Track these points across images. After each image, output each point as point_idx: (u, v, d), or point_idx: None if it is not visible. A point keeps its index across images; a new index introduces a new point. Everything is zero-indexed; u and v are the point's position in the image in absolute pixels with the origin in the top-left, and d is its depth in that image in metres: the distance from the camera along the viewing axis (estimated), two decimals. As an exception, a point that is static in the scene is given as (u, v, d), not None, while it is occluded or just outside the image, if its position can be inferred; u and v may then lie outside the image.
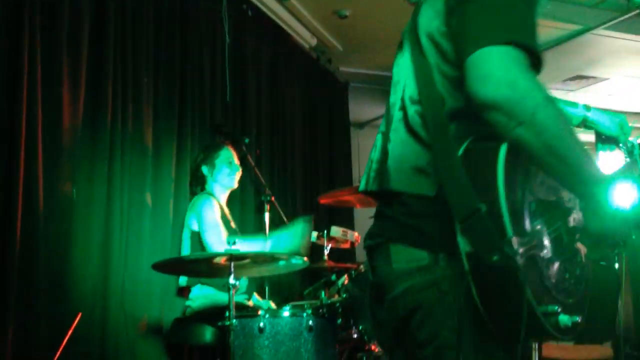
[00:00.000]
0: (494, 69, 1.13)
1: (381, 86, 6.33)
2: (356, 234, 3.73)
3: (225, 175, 3.37)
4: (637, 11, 4.66)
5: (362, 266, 3.05)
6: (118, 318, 2.88)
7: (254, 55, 4.50)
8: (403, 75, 1.40)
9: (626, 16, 4.69)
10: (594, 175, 1.18)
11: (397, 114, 1.36)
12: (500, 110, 1.12)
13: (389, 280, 1.32)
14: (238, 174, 3.44)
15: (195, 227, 3.22)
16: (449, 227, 1.19)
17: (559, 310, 1.16)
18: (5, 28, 2.47)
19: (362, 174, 1.48)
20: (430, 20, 1.31)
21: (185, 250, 3.24)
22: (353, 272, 3.07)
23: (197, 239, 3.22)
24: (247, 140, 3.86)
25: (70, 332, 2.38)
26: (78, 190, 2.75)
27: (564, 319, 1.15)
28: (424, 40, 1.32)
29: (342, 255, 4.23)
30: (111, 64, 2.98)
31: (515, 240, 1.12)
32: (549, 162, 1.15)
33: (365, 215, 3.86)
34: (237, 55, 4.22)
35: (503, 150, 1.17)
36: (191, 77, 3.67)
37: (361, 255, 5.16)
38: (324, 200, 3.88)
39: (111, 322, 2.84)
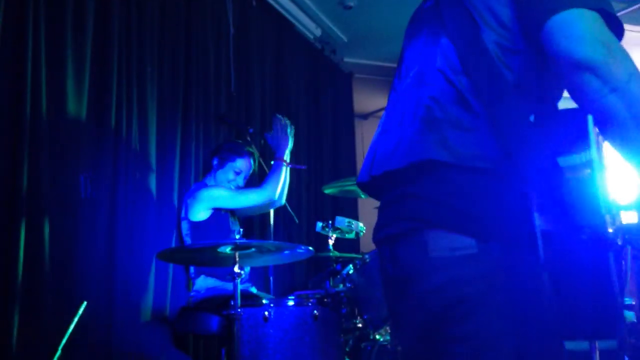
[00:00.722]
0: (591, 30, 1.07)
1: (386, 77, 6.31)
2: (361, 224, 3.73)
3: (225, 178, 3.36)
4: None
5: (366, 256, 3.05)
6: (123, 307, 2.89)
7: (259, 46, 4.49)
8: (427, 51, 1.29)
9: (633, 7, 4.66)
10: None
11: (429, 88, 1.23)
12: (596, 71, 1.04)
13: (423, 271, 1.16)
14: (234, 185, 3.40)
15: (200, 216, 3.22)
16: (503, 209, 1.09)
17: (634, 303, 1.04)
18: (9, 20, 2.46)
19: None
20: None
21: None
22: (358, 262, 3.07)
23: (199, 229, 3.22)
24: (251, 130, 3.85)
25: (75, 320, 2.39)
26: (86, 179, 2.76)
27: (630, 314, 1.07)
28: (475, 8, 1.22)
29: (347, 245, 4.23)
30: (115, 53, 2.98)
31: (606, 220, 1.02)
32: (632, 136, 1.05)
33: (369, 206, 3.88)
34: (241, 46, 4.21)
35: (590, 122, 1.08)
36: (195, 67, 3.66)
37: (366, 245, 5.16)
38: (328, 191, 3.88)
39: (117, 311, 2.84)
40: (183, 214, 3.25)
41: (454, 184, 1.14)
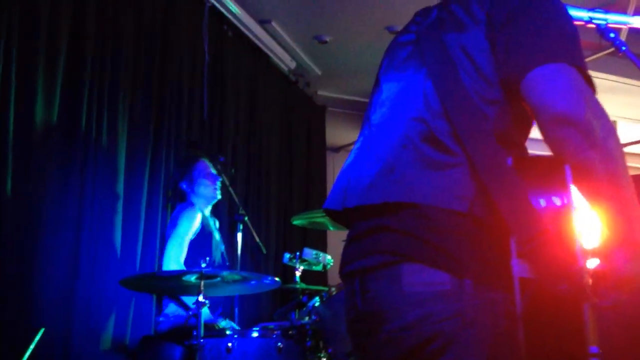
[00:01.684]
0: (573, 84, 1.09)
1: (358, 112, 6.38)
2: (329, 256, 3.73)
3: (206, 187, 3.36)
4: (609, 50, 4.79)
5: (333, 289, 3.04)
6: (82, 334, 2.81)
7: (233, 75, 4.51)
8: (406, 87, 1.30)
9: (598, 55, 4.82)
10: (638, 215, 1.11)
11: (407, 127, 1.23)
12: (578, 127, 1.06)
13: (396, 306, 1.15)
14: (219, 184, 3.42)
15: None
16: (479, 249, 1.10)
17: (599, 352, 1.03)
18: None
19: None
20: (462, 32, 1.25)
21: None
22: (324, 294, 3.06)
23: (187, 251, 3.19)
24: (222, 159, 3.84)
25: (31, 348, 2.32)
26: (49, 200, 2.71)
27: None
28: (455, 53, 1.23)
29: (314, 277, 4.21)
30: (88, 76, 2.96)
31: (583, 272, 1.02)
32: (605, 192, 1.09)
33: (338, 238, 3.88)
34: (216, 74, 4.23)
35: (568, 172, 1.08)
36: (169, 94, 3.66)
37: (333, 278, 5.14)
38: (297, 222, 3.88)
39: (75, 339, 2.77)
40: (166, 235, 3.23)
41: (431, 220, 1.14)
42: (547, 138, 1.11)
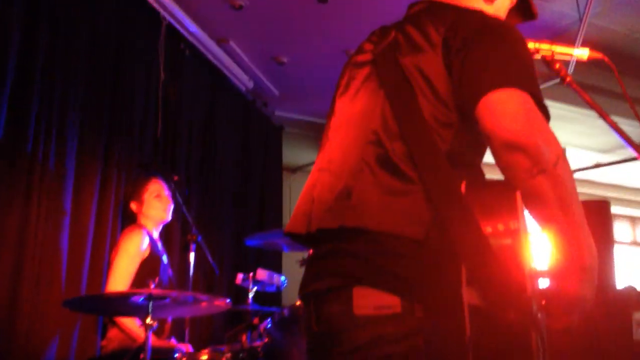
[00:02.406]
0: (523, 110, 1.11)
1: (315, 133, 6.41)
2: (282, 277, 3.70)
3: (155, 209, 3.29)
4: (558, 80, 4.95)
5: (285, 310, 3.01)
6: (23, 357, 2.71)
7: (189, 93, 4.47)
8: (364, 108, 1.31)
9: (546, 84, 4.97)
10: (588, 239, 1.14)
11: (364, 151, 1.24)
12: (526, 152, 1.08)
13: (348, 328, 1.15)
14: (169, 206, 3.36)
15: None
16: (430, 275, 1.10)
17: None
18: None
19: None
20: (418, 55, 1.26)
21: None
22: (276, 316, 3.03)
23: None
24: (175, 178, 3.79)
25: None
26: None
27: None
28: (412, 76, 1.24)
29: (267, 298, 4.17)
30: (38, 90, 2.88)
31: (532, 300, 1.04)
32: (555, 215, 1.11)
33: (293, 259, 3.85)
34: (171, 93, 4.18)
35: (519, 198, 1.10)
36: (121, 112, 3.60)
37: (287, 299, 5.10)
38: (251, 242, 3.84)
39: (15, 362, 2.66)
40: (112, 257, 3.14)
41: (384, 245, 1.15)
42: (499, 163, 1.13)
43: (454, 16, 1.27)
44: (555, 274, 1.15)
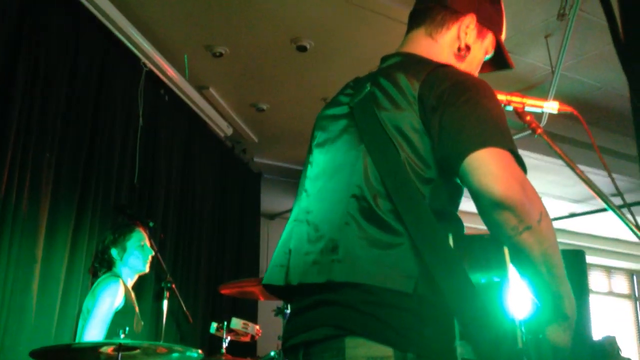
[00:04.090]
0: (507, 169, 1.14)
1: (294, 179, 6.42)
2: (257, 327, 3.63)
3: (137, 259, 3.22)
4: (530, 132, 5.05)
5: (260, 361, 2.95)
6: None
7: (167, 139, 4.48)
8: (344, 161, 1.31)
9: (521, 135, 5.06)
10: (568, 291, 1.18)
11: (348, 204, 1.24)
12: (513, 210, 1.11)
13: None
14: (150, 258, 3.29)
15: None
16: (423, 327, 1.12)
17: None
18: None
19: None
20: (395, 111, 1.27)
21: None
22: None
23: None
24: (151, 224, 3.74)
25: None
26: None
27: None
28: (391, 132, 1.25)
29: (242, 348, 4.08)
30: (13, 132, 2.85)
31: (523, 353, 1.06)
32: (539, 271, 1.15)
33: (269, 308, 3.80)
34: (149, 138, 4.18)
35: (507, 254, 1.14)
36: (99, 156, 3.57)
37: (262, 348, 5.00)
38: (226, 290, 3.78)
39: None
40: (84, 306, 3.04)
41: (377, 295, 1.15)
42: (486, 220, 1.15)
43: (428, 71, 1.29)
44: (537, 324, 1.19)
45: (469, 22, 1.43)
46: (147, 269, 3.30)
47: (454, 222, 1.26)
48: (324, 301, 1.20)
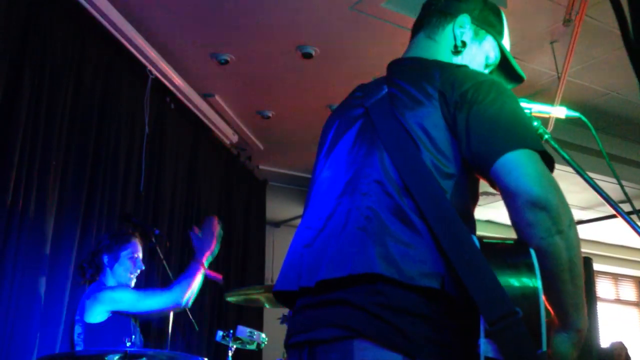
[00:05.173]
0: (543, 171, 1.15)
1: (299, 187, 6.41)
2: (263, 335, 3.61)
3: (125, 270, 3.17)
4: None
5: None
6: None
7: (173, 147, 4.48)
8: (362, 161, 1.29)
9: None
10: (585, 305, 1.18)
11: (367, 199, 1.21)
12: (549, 212, 1.11)
13: None
14: (138, 272, 3.24)
15: (97, 318, 2.99)
16: (435, 331, 1.09)
17: None
18: None
19: (276, 273, 1.33)
20: (416, 108, 1.27)
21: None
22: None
23: (95, 332, 2.99)
24: (157, 232, 3.73)
25: None
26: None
27: None
28: (412, 129, 1.25)
29: (248, 357, 4.07)
30: (20, 140, 2.85)
31: (546, 356, 1.05)
32: (563, 278, 1.14)
33: (274, 316, 3.78)
34: (155, 146, 4.19)
35: (534, 256, 1.12)
36: (104, 164, 3.58)
37: (268, 357, 4.98)
38: (232, 298, 3.77)
39: None
40: (78, 316, 3.01)
41: (390, 297, 1.11)
42: (518, 220, 1.15)
43: (442, 71, 1.31)
44: (548, 333, 1.15)
45: (462, 21, 1.47)
46: (131, 284, 3.24)
47: (470, 220, 1.26)
48: (334, 299, 1.17)
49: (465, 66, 1.38)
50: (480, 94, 1.24)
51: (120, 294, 3.01)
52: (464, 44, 1.46)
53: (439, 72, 1.31)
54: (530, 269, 1.11)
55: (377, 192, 1.22)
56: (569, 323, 1.17)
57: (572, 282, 1.14)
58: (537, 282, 1.10)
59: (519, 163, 1.15)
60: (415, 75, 1.34)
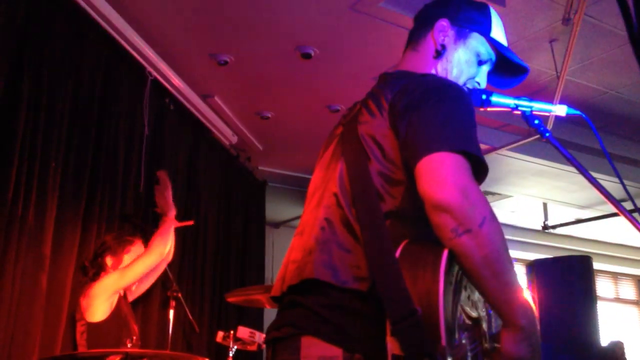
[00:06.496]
0: (449, 174, 1.19)
1: (299, 187, 6.42)
2: (264, 335, 3.61)
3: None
4: (537, 136, 5.04)
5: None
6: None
7: (172, 148, 4.48)
8: (330, 175, 1.43)
9: (527, 140, 5.06)
10: (520, 299, 1.18)
11: (327, 211, 1.36)
12: (451, 213, 1.16)
13: None
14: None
15: (98, 315, 2.99)
16: (370, 327, 1.18)
17: None
18: None
19: (275, 273, 1.44)
20: (371, 121, 1.38)
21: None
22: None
23: (97, 332, 2.99)
24: (157, 233, 3.74)
25: None
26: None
27: None
28: (366, 141, 1.36)
29: (249, 357, 4.07)
30: (19, 141, 2.84)
31: (446, 350, 1.09)
32: (482, 274, 1.17)
33: (274, 317, 3.77)
34: (154, 147, 4.18)
35: (444, 256, 1.17)
36: (104, 165, 3.58)
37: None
38: (232, 299, 3.77)
39: None
40: (79, 316, 3.02)
41: (330, 298, 1.25)
42: (431, 224, 1.21)
43: (405, 81, 1.39)
44: (498, 334, 1.22)
45: (441, 25, 1.53)
46: (133, 286, 3.25)
47: (422, 223, 1.28)
48: (292, 302, 1.32)
49: (428, 75, 1.46)
50: (423, 101, 1.31)
51: (106, 279, 3.05)
52: (443, 47, 1.52)
53: (403, 82, 1.39)
54: (435, 269, 1.15)
55: (332, 203, 1.36)
56: (505, 320, 1.19)
57: (495, 279, 1.17)
58: (438, 281, 1.14)
59: (429, 167, 1.21)
60: (381, 91, 1.42)
